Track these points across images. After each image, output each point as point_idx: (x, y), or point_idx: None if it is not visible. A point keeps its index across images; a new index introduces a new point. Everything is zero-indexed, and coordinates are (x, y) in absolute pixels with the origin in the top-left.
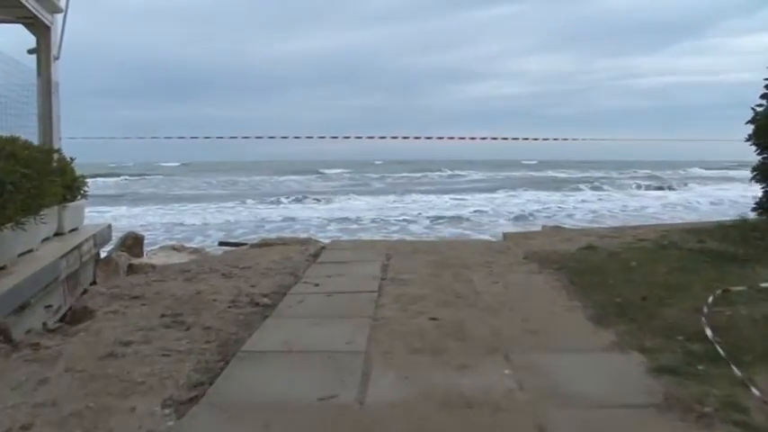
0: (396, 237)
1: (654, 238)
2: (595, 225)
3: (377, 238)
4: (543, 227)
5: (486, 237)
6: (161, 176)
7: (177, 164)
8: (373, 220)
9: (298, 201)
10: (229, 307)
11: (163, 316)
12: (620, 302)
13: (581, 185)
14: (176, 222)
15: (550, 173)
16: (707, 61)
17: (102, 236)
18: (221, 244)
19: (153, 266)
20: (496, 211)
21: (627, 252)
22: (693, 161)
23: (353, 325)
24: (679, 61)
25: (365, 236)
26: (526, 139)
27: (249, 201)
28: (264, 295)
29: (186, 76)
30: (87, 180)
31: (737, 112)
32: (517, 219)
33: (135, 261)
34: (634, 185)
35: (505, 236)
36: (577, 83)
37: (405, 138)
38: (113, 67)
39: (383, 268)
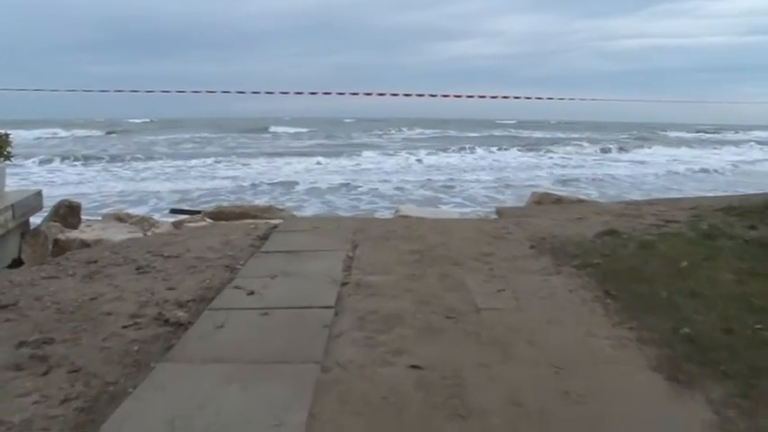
0: (365, 203)
1: (684, 219)
2: (592, 192)
3: (343, 201)
4: (534, 194)
5: (470, 210)
6: (128, 132)
7: (147, 120)
8: (340, 186)
9: (272, 157)
10: (126, 326)
11: (22, 345)
12: (692, 335)
13: (559, 146)
14: (133, 184)
15: (526, 133)
16: (683, 23)
17: (28, 204)
18: (173, 211)
19: (84, 242)
20: (477, 176)
21: (662, 242)
22: (668, 123)
23: (289, 384)
24: (656, 24)
25: (333, 199)
26: (506, 97)
27: (220, 159)
28: (180, 305)
29: (165, 31)
30: (11, 137)
31: (713, 75)
32: (498, 181)
33: (64, 236)
34: (614, 148)
35: (500, 212)
36: (555, 44)
37: (380, 95)
38: (89, 21)
39: (346, 263)
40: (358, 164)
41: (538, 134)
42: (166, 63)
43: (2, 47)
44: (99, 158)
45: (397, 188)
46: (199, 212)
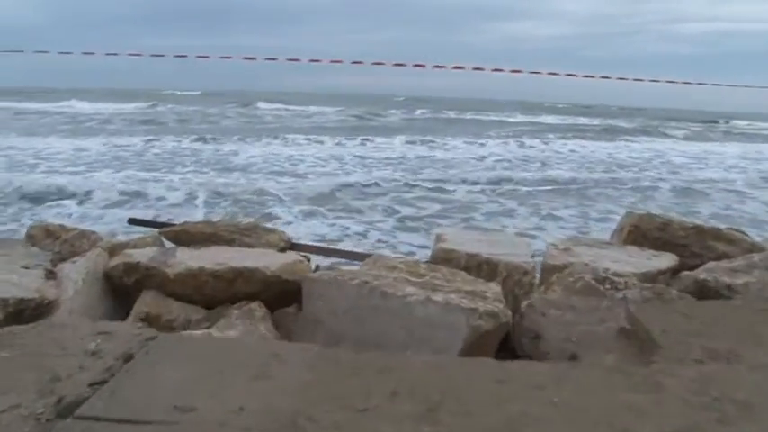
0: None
1: None
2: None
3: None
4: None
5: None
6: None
7: (198, 92)
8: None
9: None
10: None
11: None
12: None
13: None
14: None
15: (584, 120)
16: (755, 9)
17: None
18: (131, 222)
19: None
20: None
21: None
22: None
23: None
24: (727, 8)
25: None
26: (571, 75)
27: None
28: None
29: (216, 4)
30: None
31: None
32: (560, 184)
33: None
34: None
35: (635, 324)
36: (621, 26)
37: (439, 67)
38: None
39: None
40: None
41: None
42: (219, 36)
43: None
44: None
45: (447, 191)
46: (166, 225)
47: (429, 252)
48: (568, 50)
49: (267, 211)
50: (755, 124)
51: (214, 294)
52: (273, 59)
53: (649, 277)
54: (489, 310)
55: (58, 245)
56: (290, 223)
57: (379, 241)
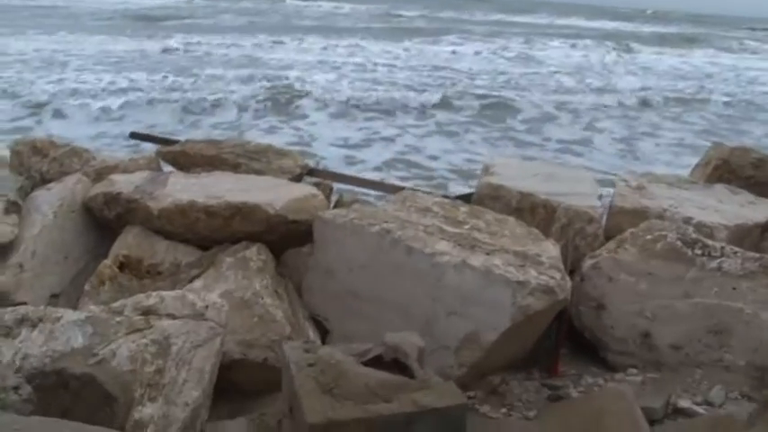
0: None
1: None
2: None
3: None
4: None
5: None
6: None
7: None
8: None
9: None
10: None
11: None
12: None
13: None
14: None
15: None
16: None
17: None
18: (132, 136)
19: None
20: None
21: None
22: None
23: None
24: None
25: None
26: None
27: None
28: None
29: None
30: None
31: None
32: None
33: None
34: None
35: None
36: None
37: None
38: None
39: None
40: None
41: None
42: None
43: None
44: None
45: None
46: (169, 142)
47: (462, 160)
48: None
49: (295, 105)
50: None
51: (209, 234)
52: None
53: (742, 232)
54: (543, 283)
55: (46, 163)
56: (314, 123)
57: (407, 146)
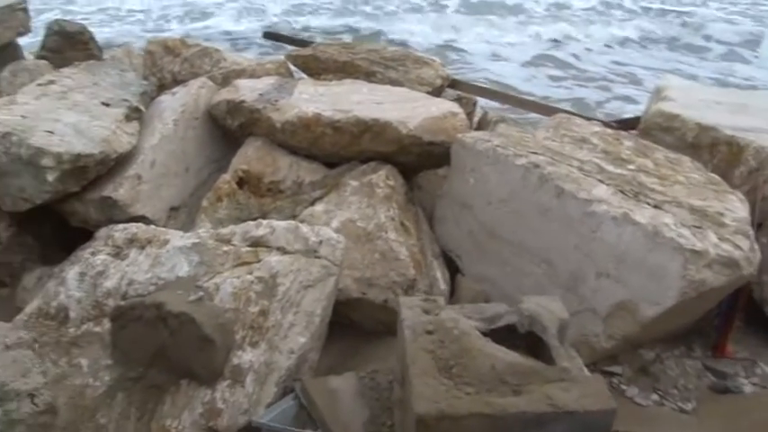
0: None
1: None
2: None
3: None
4: None
5: None
6: None
7: None
8: None
9: None
10: None
11: None
12: None
13: None
14: None
15: None
16: None
17: None
18: (266, 36)
19: None
20: None
21: None
22: None
23: None
24: None
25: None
26: None
27: None
28: None
29: None
30: None
31: None
32: None
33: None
34: None
35: None
36: None
37: None
38: None
39: None
40: None
41: None
42: None
43: None
44: None
45: None
46: (305, 43)
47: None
48: None
49: None
50: None
51: (335, 151)
52: None
53: None
54: (725, 255)
55: (177, 64)
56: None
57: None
